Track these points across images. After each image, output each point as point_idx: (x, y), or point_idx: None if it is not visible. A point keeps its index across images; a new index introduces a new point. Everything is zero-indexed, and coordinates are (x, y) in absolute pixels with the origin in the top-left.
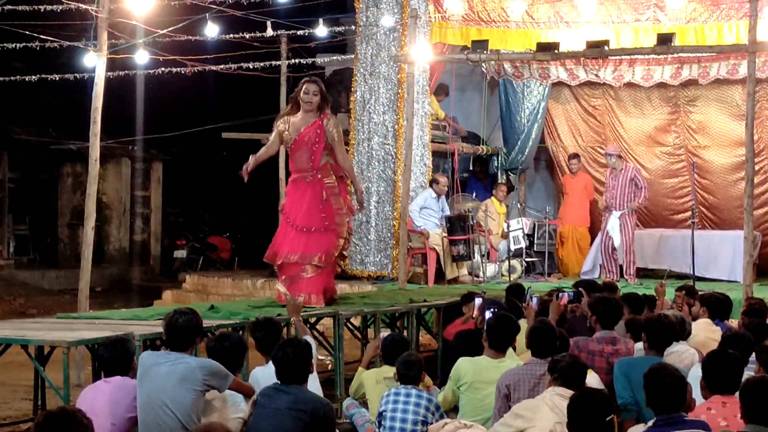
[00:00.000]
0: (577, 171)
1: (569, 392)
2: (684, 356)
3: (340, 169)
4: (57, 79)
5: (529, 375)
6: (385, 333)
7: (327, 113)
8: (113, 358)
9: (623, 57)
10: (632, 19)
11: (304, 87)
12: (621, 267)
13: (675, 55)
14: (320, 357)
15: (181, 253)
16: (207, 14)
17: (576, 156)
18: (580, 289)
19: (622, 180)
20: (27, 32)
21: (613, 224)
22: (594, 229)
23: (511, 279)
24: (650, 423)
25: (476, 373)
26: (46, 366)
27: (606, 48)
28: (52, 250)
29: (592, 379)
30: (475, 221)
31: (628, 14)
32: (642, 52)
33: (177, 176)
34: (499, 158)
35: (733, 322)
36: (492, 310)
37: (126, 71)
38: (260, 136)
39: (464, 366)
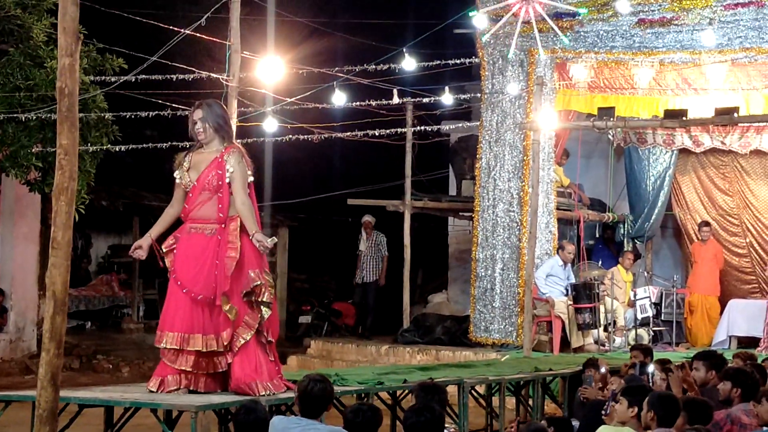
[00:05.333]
0: (707, 239)
1: None
2: None
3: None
4: (187, 146)
5: None
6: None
7: (233, 145)
8: (250, 422)
9: (751, 124)
10: (762, 85)
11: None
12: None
13: None
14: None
15: (306, 319)
16: (334, 83)
17: (707, 224)
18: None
19: None
20: (159, 101)
21: None
22: (724, 298)
23: None
24: None
25: None
26: (174, 430)
27: (735, 115)
28: None
29: None
30: (601, 289)
31: (757, 80)
32: None
33: (303, 242)
34: (626, 226)
35: None
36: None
37: (255, 139)
38: (385, 203)
39: None
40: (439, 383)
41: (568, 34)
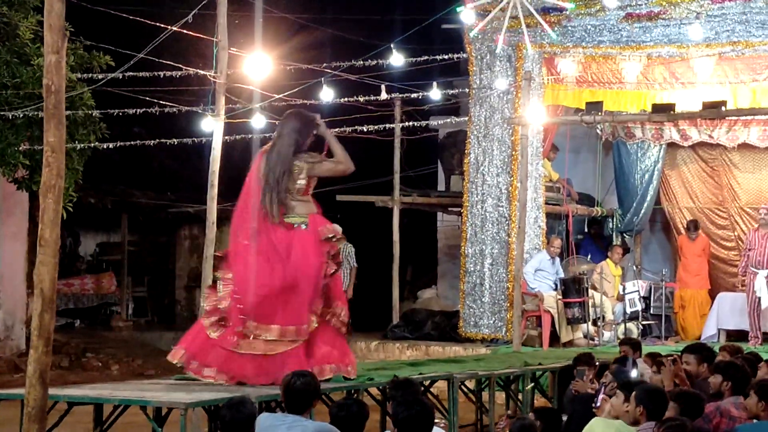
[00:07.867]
0: (695, 238)
1: None
2: None
3: None
4: (175, 143)
5: None
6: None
7: None
8: (236, 419)
9: (738, 117)
10: (749, 79)
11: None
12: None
13: None
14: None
15: None
16: (322, 78)
17: (696, 226)
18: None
19: None
20: (147, 98)
21: (760, 284)
22: (712, 291)
23: None
24: None
25: None
26: (163, 427)
27: (723, 108)
28: (170, 311)
29: None
30: (590, 284)
31: (745, 74)
32: (760, 113)
33: None
34: (614, 220)
35: None
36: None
37: (243, 135)
38: (374, 199)
39: (598, 427)
40: (411, 378)
41: (556, 28)
